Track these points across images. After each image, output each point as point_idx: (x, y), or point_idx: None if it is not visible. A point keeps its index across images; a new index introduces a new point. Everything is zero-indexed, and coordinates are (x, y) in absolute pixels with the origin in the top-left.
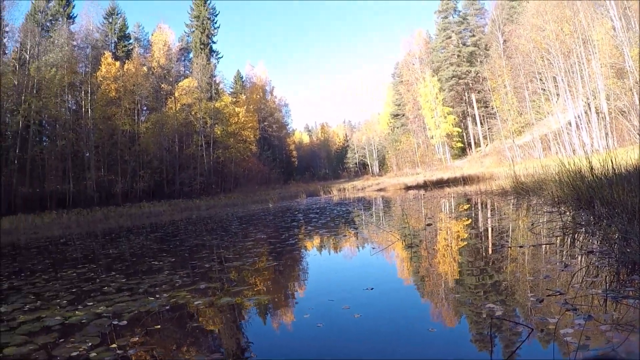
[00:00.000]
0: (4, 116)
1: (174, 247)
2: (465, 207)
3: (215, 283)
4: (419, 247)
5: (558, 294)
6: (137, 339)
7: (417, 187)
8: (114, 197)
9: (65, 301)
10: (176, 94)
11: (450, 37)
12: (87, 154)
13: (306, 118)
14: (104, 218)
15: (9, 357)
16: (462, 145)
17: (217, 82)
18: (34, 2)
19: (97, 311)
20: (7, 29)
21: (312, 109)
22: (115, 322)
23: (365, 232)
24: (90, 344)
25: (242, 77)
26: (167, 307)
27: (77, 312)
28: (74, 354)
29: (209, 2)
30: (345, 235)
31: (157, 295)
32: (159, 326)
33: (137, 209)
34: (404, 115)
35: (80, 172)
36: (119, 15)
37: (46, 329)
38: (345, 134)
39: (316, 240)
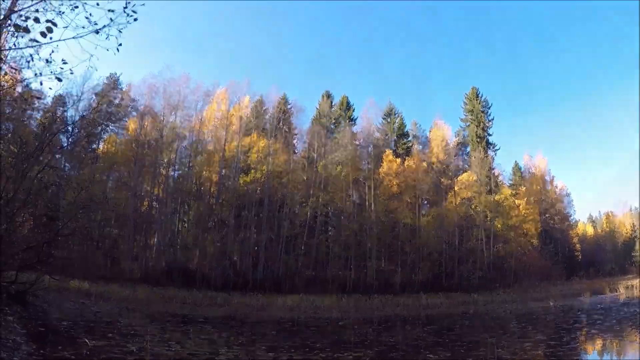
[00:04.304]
0: (294, 207)
1: (450, 341)
2: None
3: None
4: None
5: None
6: None
7: None
8: (392, 286)
9: None
10: (456, 188)
11: None
12: (369, 245)
13: (589, 207)
14: (381, 306)
15: None
16: None
17: (496, 174)
18: (318, 107)
19: None
20: (295, 131)
21: (596, 196)
22: None
23: None
24: None
25: (520, 168)
26: None
27: None
28: None
29: (481, 95)
30: (632, 341)
31: None
32: None
33: (414, 299)
34: None
35: (361, 261)
36: (397, 115)
37: None
38: (633, 223)
39: (598, 345)
